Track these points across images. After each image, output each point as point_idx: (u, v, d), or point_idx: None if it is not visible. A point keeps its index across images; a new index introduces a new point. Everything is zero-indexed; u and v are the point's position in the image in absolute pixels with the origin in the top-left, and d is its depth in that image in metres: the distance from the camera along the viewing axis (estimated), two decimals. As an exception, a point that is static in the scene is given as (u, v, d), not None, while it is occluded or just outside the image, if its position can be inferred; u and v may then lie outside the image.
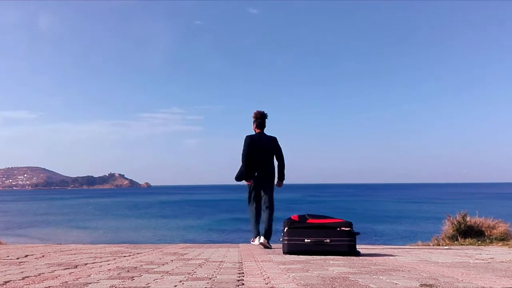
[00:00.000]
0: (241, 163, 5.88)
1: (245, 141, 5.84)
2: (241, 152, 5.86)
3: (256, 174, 5.81)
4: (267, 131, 6.02)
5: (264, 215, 5.86)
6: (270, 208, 5.86)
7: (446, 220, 8.39)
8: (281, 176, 5.97)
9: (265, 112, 5.95)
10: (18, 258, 4.27)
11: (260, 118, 5.92)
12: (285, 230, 4.98)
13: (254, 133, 5.96)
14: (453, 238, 7.91)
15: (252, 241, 6.02)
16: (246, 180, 5.90)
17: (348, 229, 4.88)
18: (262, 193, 5.88)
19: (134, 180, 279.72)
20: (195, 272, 3.18)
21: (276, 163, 5.99)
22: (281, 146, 5.97)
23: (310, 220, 5.00)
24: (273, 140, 5.94)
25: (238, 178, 5.99)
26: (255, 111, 5.96)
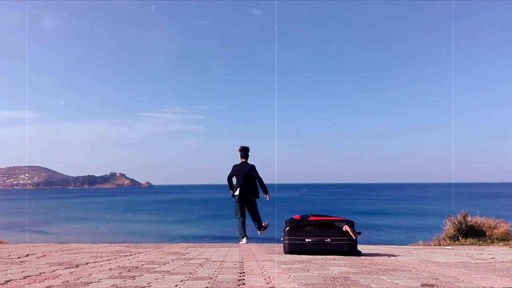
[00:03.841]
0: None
1: (231, 169, 7.47)
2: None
3: (238, 192, 7.27)
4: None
5: (253, 220, 7.33)
6: (257, 218, 7.29)
7: (447, 220, 8.38)
8: (265, 191, 7.34)
9: (248, 146, 7.51)
10: (19, 257, 4.27)
11: (242, 151, 7.46)
12: (286, 230, 4.98)
13: (240, 161, 7.46)
14: (454, 238, 7.91)
15: (240, 241, 7.10)
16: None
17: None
18: (247, 208, 7.33)
19: (135, 179, 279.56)
20: (196, 271, 3.18)
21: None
22: (258, 171, 7.43)
23: (311, 218, 5.00)
24: (251, 167, 7.38)
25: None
26: (239, 146, 7.49)
